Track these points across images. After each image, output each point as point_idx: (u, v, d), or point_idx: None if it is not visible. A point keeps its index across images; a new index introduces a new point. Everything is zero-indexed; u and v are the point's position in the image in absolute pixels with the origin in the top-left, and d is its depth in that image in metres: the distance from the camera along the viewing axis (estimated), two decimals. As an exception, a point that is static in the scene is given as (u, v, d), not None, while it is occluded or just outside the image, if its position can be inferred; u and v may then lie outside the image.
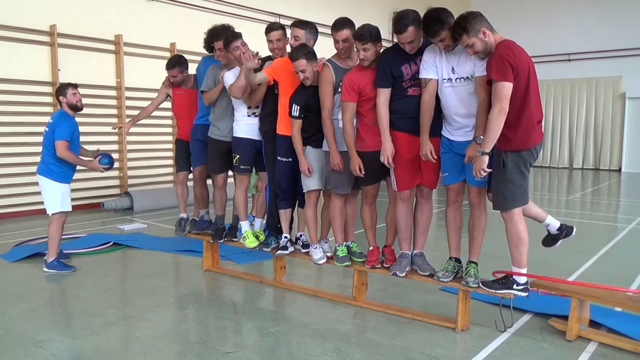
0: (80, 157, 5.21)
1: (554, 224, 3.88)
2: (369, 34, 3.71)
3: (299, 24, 4.32)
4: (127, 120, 9.11)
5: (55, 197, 5.08)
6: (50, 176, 5.05)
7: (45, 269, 5.10)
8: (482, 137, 3.41)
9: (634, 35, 15.50)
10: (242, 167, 4.64)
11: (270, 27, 4.43)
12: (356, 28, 3.85)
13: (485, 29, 3.34)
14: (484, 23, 3.35)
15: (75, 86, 5.19)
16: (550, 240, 3.94)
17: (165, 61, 5.46)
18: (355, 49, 3.94)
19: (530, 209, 3.71)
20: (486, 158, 3.33)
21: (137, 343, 3.53)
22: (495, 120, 3.25)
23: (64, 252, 5.50)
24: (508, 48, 3.30)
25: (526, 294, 3.54)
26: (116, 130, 7.55)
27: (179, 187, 5.43)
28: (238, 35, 4.53)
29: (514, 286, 3.51)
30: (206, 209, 5.29)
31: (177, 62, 5.27)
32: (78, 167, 5.25)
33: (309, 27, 4.31)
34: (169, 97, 5.49)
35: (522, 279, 3.53)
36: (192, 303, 4.36)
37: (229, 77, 4.52)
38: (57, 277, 4.98)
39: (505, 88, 3.24)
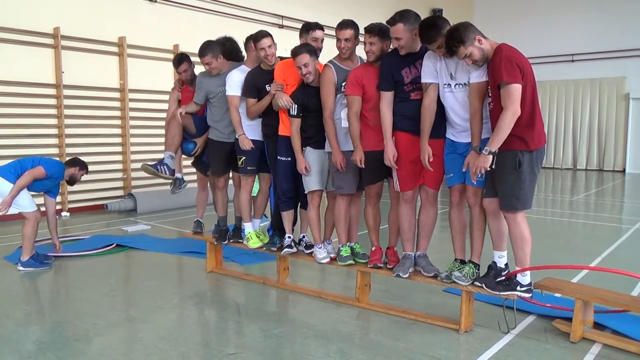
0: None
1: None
2: (377, 28, 3.79)
3: (318, 25, 4.40)
4: (131, 122, 9.19)
5: (27, 197, 5.22)
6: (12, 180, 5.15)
7: (21, 268, 5.17)
8: (479, 147, 3.45)
9: (638, 35, 15.44)
10: (249, 168, 4.65)
11: (261, 35, 4.37)
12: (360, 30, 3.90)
13: (479, 36, 3.35)
14: (476, 31, 3.36)
15: (85, 170, 5.67)
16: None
17: (169, 63, 5.45)
18: (356, 52, 4.05)
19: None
20: (491, 157, 3.34)
21: (141, 344, 3.53)
22: (509, 122, 3.24)
23: (48, 254, 5.58)
24: (512, 50, 3.32)
25: (530, 295, 3.53)
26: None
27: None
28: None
29: (518, 287, 3.50)
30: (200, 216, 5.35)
31: (185, 57, 5.21)
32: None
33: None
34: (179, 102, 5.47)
35: (526, 280, 3.52)
36: (195, 304, 4.36)
37: (237, 75, 4.53)
38: (61, 279, 4.99)
39: (517, 90, 3.23)
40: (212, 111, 4.83)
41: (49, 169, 5.25)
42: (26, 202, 5.24)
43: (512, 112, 3.23)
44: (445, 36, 3.40)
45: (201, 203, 5.42)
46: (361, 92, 3.86)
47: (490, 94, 3.45)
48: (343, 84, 3.97)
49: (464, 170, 3.58)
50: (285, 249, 4.44)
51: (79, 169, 5.59)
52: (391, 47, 3.89)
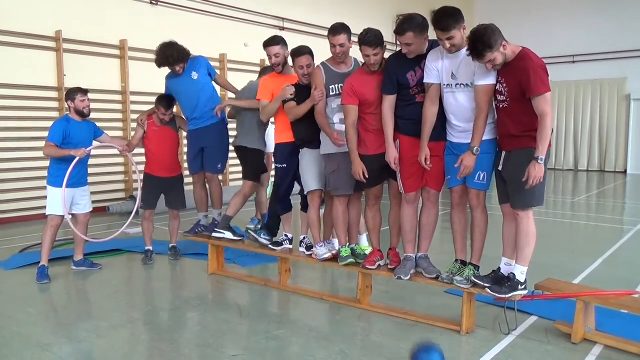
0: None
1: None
2: (379, 39, 3.73)
3: (270, 42, 4.52)
4: (132, 125, 9.19)
5: (49, 199, 5.07)
6: (47, 180, 5.07)
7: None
8: (477, 148, 3.47)
9: (639, 36, 15.44)
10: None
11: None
12: (358, 32, 3.88)
13: (504, 41, 3.28)
14: (502, 36, 3.28)
15: (85, 92, 5.17)
16: None
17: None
18: (350, 55, 4.10)
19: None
20: (542, 165, 3.29)
21: (143, 346, 3.55)
22: (550, 126, 3.25)
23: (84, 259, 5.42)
24: (538, 57, 3.31)
25: (526, 292, 3.55)
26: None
27: (145, 223, 5.53)
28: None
29: (519, 287, 3.50)
30: (205, 213, 5.34)
31: (174, 101, 5.37)
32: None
33: (281, 41, 4.54)
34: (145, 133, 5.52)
35: (523, 278, 3.52)
36: (197, 306, 4.37)
37: None
38: (63, 281, 5.00)
39: (550, 96, 3.27)
40: (242, 122, 4.97)
41: (51, 137, 4.93)
42: (48, 204, 5.05)
43: (550, 117, 3.25)
44: (470, 38, 3.29)
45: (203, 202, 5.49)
46: (357, 101, 3.86)
47: (505, 96, 3.40)
48: (332, 86, 4.04)
49: (456, 166, 3.56)
50: (283, 246, 4.59)
51: (81, 94, 5.10)
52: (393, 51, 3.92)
